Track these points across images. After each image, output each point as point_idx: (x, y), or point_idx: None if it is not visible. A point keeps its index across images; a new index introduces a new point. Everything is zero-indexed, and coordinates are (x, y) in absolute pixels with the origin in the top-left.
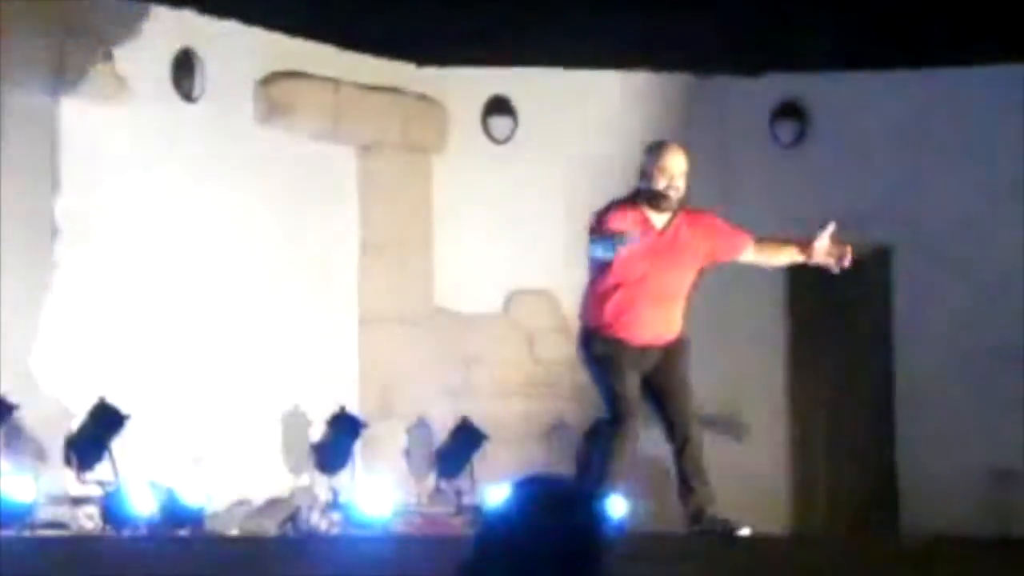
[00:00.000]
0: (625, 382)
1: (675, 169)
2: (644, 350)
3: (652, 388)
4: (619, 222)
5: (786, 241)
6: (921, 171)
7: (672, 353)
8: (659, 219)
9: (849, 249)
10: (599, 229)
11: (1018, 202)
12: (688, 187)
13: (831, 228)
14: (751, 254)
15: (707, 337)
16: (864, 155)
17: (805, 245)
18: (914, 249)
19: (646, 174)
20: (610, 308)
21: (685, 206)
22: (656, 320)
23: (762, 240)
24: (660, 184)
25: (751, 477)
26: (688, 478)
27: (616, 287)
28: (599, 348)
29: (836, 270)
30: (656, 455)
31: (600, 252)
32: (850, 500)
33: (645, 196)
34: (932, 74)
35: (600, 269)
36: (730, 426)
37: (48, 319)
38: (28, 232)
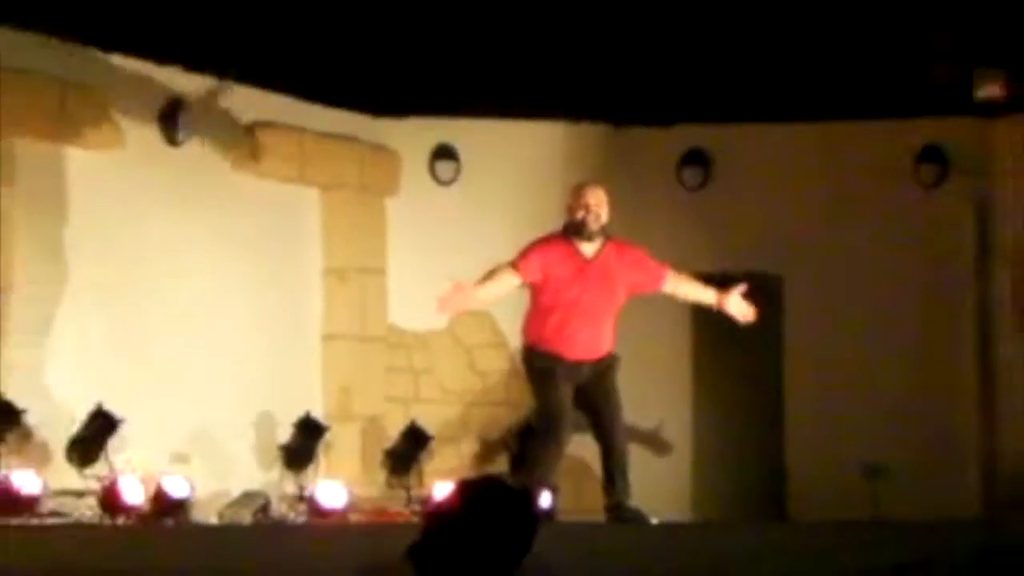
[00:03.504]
0: (559, 393)
1: (591, 201)
2: (577, 364)
3: (585, 398)
4: (539, 254)
5: (703, 284)
6: (807, 211)
7: (603, 368)
8: (589, 248)
9: (754, 310)
10: (512, 260)
11: (881, 235)
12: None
13: (743, 288)
14: (670, 286)
15: (625, 355)
16: (759, 197)
17: (720, 294)
18: (801, 278)
19: (571, 209)
20: (548, 327)
21: (614, 238)
22: (588, 338)
23: (680, 277)
24: (580, 215)
25: (661, 471)
26: (612, 474)
27: (552, 308)
28: (538, 362)
29: (740, 321)
30: (577, 454)
31: (483, 280)
32: (744, 492)
33: (572, 229)
34: (819, 127)
35: (539, 292)
36: (655, 443)
37: (55, 337)
38: (37, 260)
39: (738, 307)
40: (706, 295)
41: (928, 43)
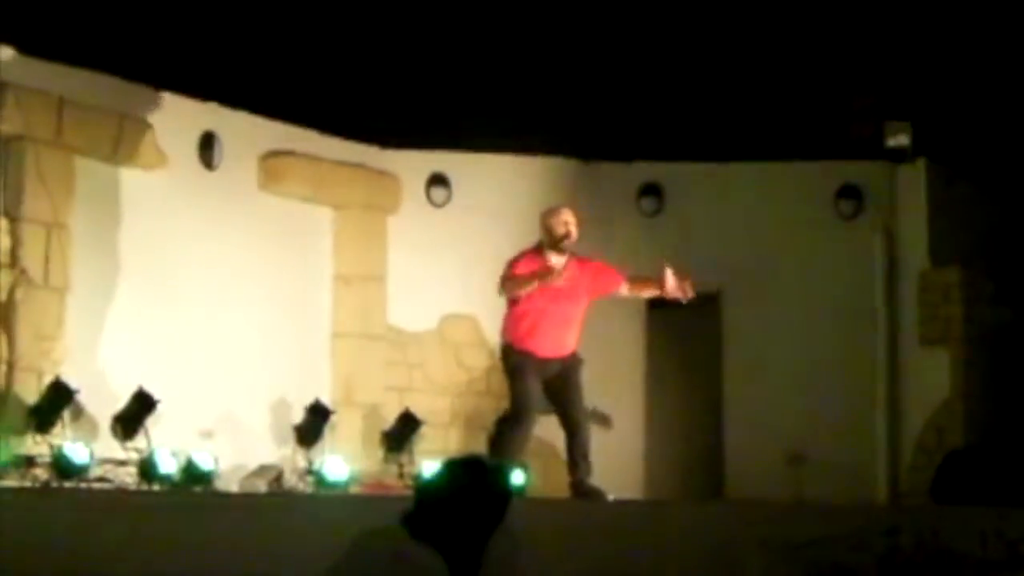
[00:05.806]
0: (528, 386)
1: (569, 219)
2: (546, 361)
3: (553, 390)
4: (524, 268)
5: (648, 280)
6: (744, 236)
7: (569, 365)
8: (558, 262)
9: (689, 283)
10: (510, 274)
11: (806, 258)
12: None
13: (669, 271)
14: (625, 289)
15: (589, 354)
16: (704, 224)
17: (660, 282)
18: (737, 294)
19: (548, 228)
20: (522, 328)
21: (576, 254)
22: (556, 339)
23: (632, 278)
24: (560, 231)
25: (617, 455)
26: (575, 457)
27: (527, 313)
28: (513, 359)
29: (684, 300)
30: (546, 438)
31: (512, 291)
32: (688, 474)
33: (549, 243)
34: (755, 166)
35: (518, 299)
36: (599, 418)
37: (105, 329)
38: (92, 263)
39: (675, 287)
40: (651, 289)
41: (849, 102)
